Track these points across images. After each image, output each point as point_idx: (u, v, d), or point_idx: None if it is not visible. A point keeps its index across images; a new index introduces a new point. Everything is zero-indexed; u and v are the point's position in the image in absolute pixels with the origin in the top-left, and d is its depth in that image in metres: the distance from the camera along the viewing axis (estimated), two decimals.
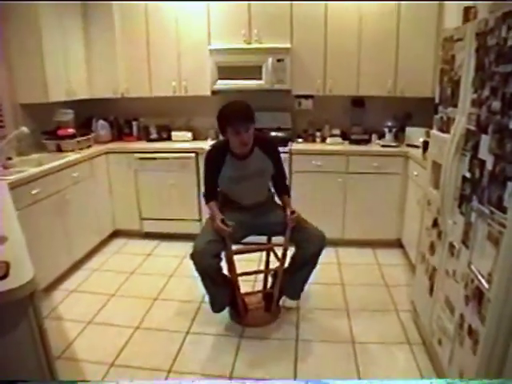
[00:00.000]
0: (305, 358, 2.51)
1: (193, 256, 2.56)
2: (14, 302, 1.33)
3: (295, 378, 2.33)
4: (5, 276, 1.34)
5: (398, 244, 4.00)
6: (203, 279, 2.64)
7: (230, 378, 2.34)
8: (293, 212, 2.67)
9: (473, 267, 1.83)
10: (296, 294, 2.93)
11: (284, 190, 2.88)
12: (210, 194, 2.78)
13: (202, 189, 2.84)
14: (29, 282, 1.34)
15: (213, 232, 2.60)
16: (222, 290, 2.73)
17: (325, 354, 2.54)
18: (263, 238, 3.02)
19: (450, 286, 2.12)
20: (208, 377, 2.35)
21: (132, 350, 2.59)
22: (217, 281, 2.65)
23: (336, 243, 4.05)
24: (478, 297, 1.77)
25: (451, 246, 2.12)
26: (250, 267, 3.06)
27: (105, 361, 2.47)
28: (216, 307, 2.79)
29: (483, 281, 1.72)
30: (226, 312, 2.91)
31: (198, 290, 3.25)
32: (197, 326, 2.85)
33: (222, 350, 2.61)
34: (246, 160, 2.65)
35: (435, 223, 2.41)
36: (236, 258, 2.70)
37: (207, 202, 2.79)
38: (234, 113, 2.53)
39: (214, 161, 2.69)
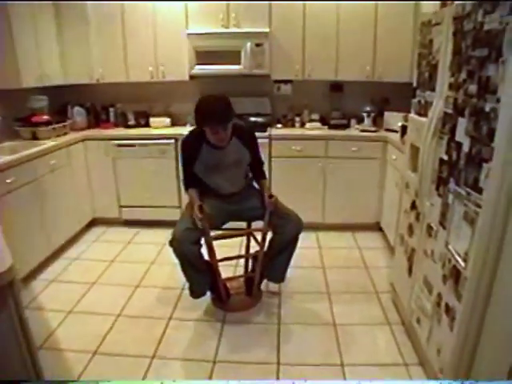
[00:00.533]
0: (287, 341, 2.54)
1: (171, 243, 2.56)
2: None
3: (278, 361, 2.37)
4: None
5: (377, 227, 4.07)
6: (182, 265, 2.64)
7: (214, 362, 2.36)
8: (271, 196, 2.67)
9: (450, 247, 1.88)
10: (279, 277, 2.94)
11: (261, 174, 2.89)
12: (189, 181, 2.76)
13: (181, 176, 2.81)
14: (6, 270, 1.32)
15: (191, 219, 2.58)
16: (201, 275, 2.72)
17: (307, 337, 2.58)
18: (244, 224, 3.03)
19: (428, 266, 2.17)
20: (192, 361, 2.36)
21: (115, 338, 2.58)
22: (196, 267, 2.64)
23: (316, 227, 4.10)
24: (454, 276, 1.82)
25: (429, 227, 2.16)
26: (232, 253, 3.07)
27: (88, 349, 2.46)
28: (195, 293, 2.79)
29: (460, 260, 1.77)
30: (207, 297, 2.92)
31: (179, 276, 3.24)
32: (179, 312, 2.85)
33: (204, 335, 2.62)
34: (223, 150, 2.61)
35: (413, 205, 2.46)
36: (216, 243, 2.70)
37: (186, 189, 2.79)
38: (212, 113, 2.43)
39: (191, 148, 2.66)
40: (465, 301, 1.73)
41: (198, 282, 2.75)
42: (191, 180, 2.75)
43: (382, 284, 3.15)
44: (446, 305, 1.90)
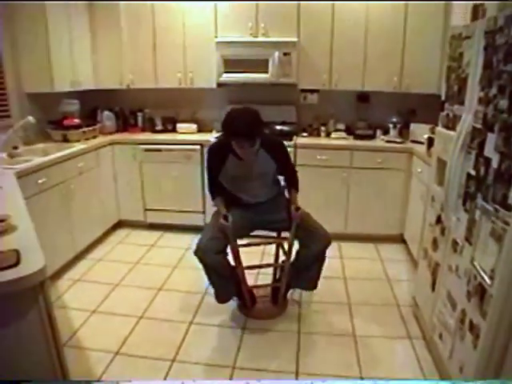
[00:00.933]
0: (307, 351, 2.54)
1: (196, 253, 2.57)
2: (25, 289, 1.36)
3: (297, 370, 2.36)
4: (16, 264, 1.37)
5: (400, 239, 4.03)
6: (207, 273, 2.66)
7: (233, 368, 2.37)
8: (298, 208, 2.66)
9: (476, 263, 1.85)
10: (311, 286, 2.90)
11: (293, 185, 2.85)
12: (215, 190, 2.77)
13: (207, 184, 2.83)
14: (40, 270, 1.37)
15: (216, 228, 2.60)
16: (226, 282, 2.73)
17: (326, 348, 2.57)
18: (272, 232, 3.01)
19: (452, 282, 2.14)
20: (211, 366, 2.38)
21: (136, 339, 2.63)
22: (221, 274, 2.65)
23: (339, 238, 4.07)
24: (480, 292, 1.79)
25: (454, 242, 2.14)
26: (254, 259, 3.08)
27: (109, 349, 2.51)
28: (220, 298, 2.80)
29: (486, 277, 1.74)
30: (229, 304, 2.94)
31: (202, 281, 3.28)
32: (200, 317, 2.88)
33: (225, 340, 2.64)
34: (249, 161, 2.58)
35: (439, 220, 2.43)
36: (242, 250, 2.72)
37: (213, 198, 2.80)
38: (238, 127, 2.37)
39: (217, 157, 2.65)
40: (489, 318, 1.70)
41: (222, 288, 2.76)
42: (217, 188, 2.76)
43: (404, 297, 3.11)
44: (470, 322, 1.87)
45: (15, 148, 3.37)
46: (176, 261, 3.70)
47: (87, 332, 2.69)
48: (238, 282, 2.78)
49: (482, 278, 1.77)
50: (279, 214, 2.75)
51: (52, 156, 3.25)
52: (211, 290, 2.91)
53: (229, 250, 2.66)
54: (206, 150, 4.03)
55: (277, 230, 2.93)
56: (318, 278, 2.85)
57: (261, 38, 4.00)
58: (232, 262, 2.73)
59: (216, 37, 4.05)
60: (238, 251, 2.68)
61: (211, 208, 4.08)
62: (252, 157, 2.53)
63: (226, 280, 2.71)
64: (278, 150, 2.71)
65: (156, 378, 2.28)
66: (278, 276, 3.09)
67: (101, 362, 2.40)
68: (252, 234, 2.86)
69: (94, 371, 2.33)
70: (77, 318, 2.82)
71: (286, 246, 2.85)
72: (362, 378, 2.29)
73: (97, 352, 2.49)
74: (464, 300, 1.95)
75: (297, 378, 2.29)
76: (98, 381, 2.04)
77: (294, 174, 2.87)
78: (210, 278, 2.70)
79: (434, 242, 2.49)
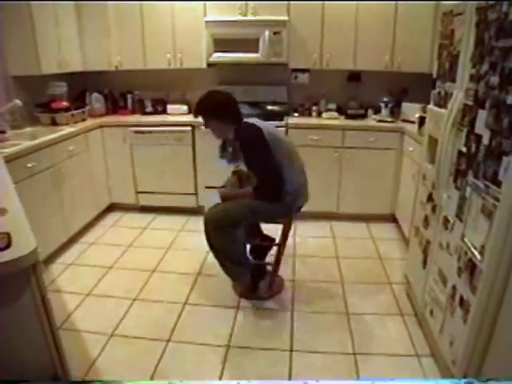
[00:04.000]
0: (300, 329, 2.57)
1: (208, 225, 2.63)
2: (17, 272, 1.36)
3: (291, 348, 2.40)
4: (7, 246, 1.36)
5: (392, 218, 4.06)
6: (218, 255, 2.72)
7: (228, 347, 2.40)
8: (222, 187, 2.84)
9: (466, 240, 1.88)
10: None
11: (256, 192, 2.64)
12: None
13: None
14: (31, 252, 1.36)
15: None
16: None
17: (320, 325, 2.61)
18: None
19: (443, 259, 2.17)
20: (206, 346, 2.41)
21: (131, 321, 2.64)
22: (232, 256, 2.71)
23: (331, 217, 4.11)
24: (470, 268, 1.82)
25: (445, 219, 2.16)
26: None
27: (104, 331, 2.52)
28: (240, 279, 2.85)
29: (476, 253, 1.76)
30: (222, 284, 2.97)
31: (195, 262, 3.32)
32: (194, 298, 2.90)
33: (219, 320, 2.66)
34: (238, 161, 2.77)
35: (430, 198, 2.45)
36: None
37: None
38: (195, 105, 2.66)
39: None
40: (480, 294, 1.73)
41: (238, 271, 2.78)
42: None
43: (396, 275, 3.16)
44: (461, 297, 1.90)
45: (3, 132, 3.31)
46: (169, 243, 3.70)
47: (82, 315, 2.70)
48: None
49: (473, 254, 1.79)
50: None
51: (41, 139, 3.20)
52: (204, 271, 2.93)
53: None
54: (197, 130, 4.02)
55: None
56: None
57: (250, 17, 3.93)
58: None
59: (205, 16, 3.98)
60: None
61: (203, 189, 4.12)
62: (217, 137, 2.77)
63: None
64: (242, 146, 2.60)
65: (151, 357, 2.30)
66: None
67: (96, 343, 2.41)
68: None
69: (89, 353, 2.34)
70: (71, 301, 2.83)
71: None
72: (354, 354, 2.33)
73: (92, 334, 2.50)
74: (455, 276, 1.98)
75: (291, 356, 2.33)
76: (101, 381, 2.06)
77: (259, 183, 2.61)
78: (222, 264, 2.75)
79: (426, 220, 2.51)
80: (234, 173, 2.93)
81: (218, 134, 2.73)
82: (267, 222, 2.96)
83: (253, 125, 2.60)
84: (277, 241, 2.99)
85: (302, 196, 2.73)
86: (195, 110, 2.65)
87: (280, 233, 2.85)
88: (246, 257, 2.83)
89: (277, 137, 2.63)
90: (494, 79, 1.66)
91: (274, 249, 3.00)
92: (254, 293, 2.90)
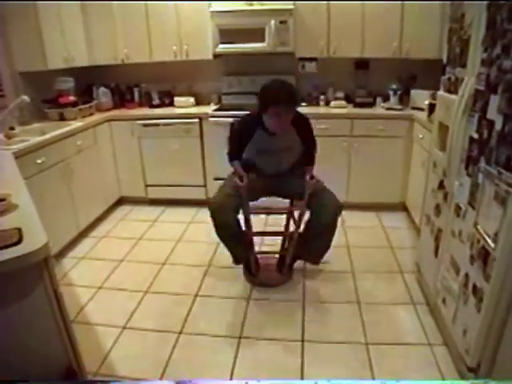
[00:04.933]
0: (312, 319, 2.57)
1: (211, 207, 2.65)
2: (29, 267, 1.37)
3: (303, 338, 2.40)
4: (19, 242, 1.37)
5: (402, 207, 4.03)
6: (219, 233, 2.73)
7: (239, 338, 2.40)
8: (312, 177, 2.66)
9: (479, 227, 1.85)
10: (316, 260, 2.95)
11: (310, 160, 2.87)
12: (234, 155, 2.82)
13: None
14: (42, 246, 1.37)
15: (231, 187, 2.66)
16: (238, 242, 2.81)
17: (331, 315, 2.61)
18: (286, 202, 3.04)
19: (455, 247, 2.15)
20: (218, 337, 2.42)
21: (143, 313, 2.66)
22: (233, 234, 2.73)
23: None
24: (483, 256, 1.79)
25: (457, 207, 2.13)
26: (259, 229, 3.10)
27: (117, 324, 2.54)
28: (236, 259, 2.91)
29: (489, 240, 1.74)
30: (233, 275, 2.98)
31: (205, 254, 3.33)
32: (205, 289, 2.91)
33: (230, 311, 2.67)
34: (277, 136, 2.62)
35: (441, 185, 2.42)
36: (257, 220, 2.73)
37: (230, 160, 2.84)
38: (281, 94, 2.42)
39: (245, 129, 2.70)
40: (493, 281, 1.71)
41: (237, 248, 2.84)
42: (237, 155, 2.80)
43: (407, 264, 3.14)
44: (474, 285, 1.88)
45: (12, 129, 3.33)
46: (179, 235, 3.71)
47: (94, 308, 2.72)
48: (245, 248, 2.85)
49: (486, 241, 1.77)
50: (295, 181, 2.77)
51: (49, 135, 3.21)
52: (215, 262, 2.93)
53: (240, 216, 2.72)
54: (204, 122, 4.01)
55: (290, 197, 2.98)
56: (324, 250, 2.88)
57: (256, 6, 3.89)
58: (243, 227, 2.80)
59: (210, 6, 3.94)
60: (249, 214, 2.73)
61: (212, 181, 4.11)
62: (285, 128, 2.57)
63: (237, 240, 2.78)
64: (305, 126, 2.75)
65: (163, 349, 2.32)
66: (286, 246, 3.13)
67: (109, 336, 2.44)
68: (265, 205, 2.96)
69: (102, 345, 2.37)
70: (83, 295, 2.85)
71: (296, 215, 2.88)
72: (366, 344, 2.33)
73: (105, 327, 2.53)
74: (467, 264, 1.96)
75: (303, 346, 2.33)
76: (103, 381, 2.07)
77: (314, 148, 2.89)
78: (222, 239, 2.78)
79: (437, 208, 2.48)
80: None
81: (288, 123, 2.57)
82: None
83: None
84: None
85: None
86: (292, 100, 2.47)
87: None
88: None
89: None
90: (507, 63, 1.62)
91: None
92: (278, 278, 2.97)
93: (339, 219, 2.78)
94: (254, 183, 2.70)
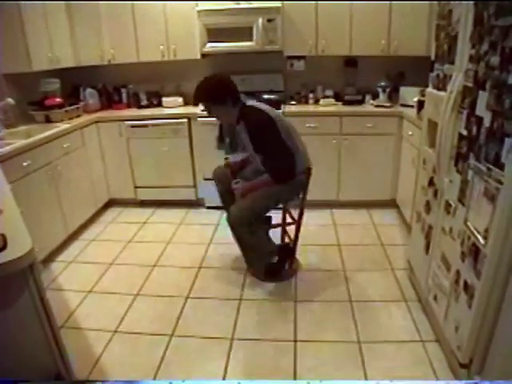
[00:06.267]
0: (304, 319, 2.56)
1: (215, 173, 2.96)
2: (14, 273, 1.33)
3: (295, 338, 2.39)
4: (3, 248, 1.34)
5: (393, 204, 4.03)
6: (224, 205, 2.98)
7: (232, 340, 2.39)
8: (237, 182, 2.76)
9: (469, 224, 1.85)
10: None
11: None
12: None
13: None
14: (27, 253, 1.33)
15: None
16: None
17: (324, 314, 2.60)
18: None
19: (446, 244, 2.15)
20: (210, 339, 2.40)
21: (134, 317, 2.63)
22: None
23: (331, 205, 4.08)
24: (474, 253, 1.79)
25: (447, 204, 2.13)
26: None
27: (108, 328, 2.51)
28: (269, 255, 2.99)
29: (479, 237, 1.74)
30: (224, 276, 2.96)
31: (196, 255, 3.31)
32: (196, 291, 2.88)
33: (222, 313, 2.65)
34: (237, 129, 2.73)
35: (431, 182, 2.42)
36: None
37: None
38: (195, 90, 2.63)
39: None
40: (484, 278, 1.71)
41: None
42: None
43: (399, 261, 3.14)
44: (465, 282, 1.88)
45: None
46: (169, 236, 3.68)
47: (84, 312, 2.69)
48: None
49: (476, 238, 1.77)
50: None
51: (35, 137, 3.16)
52: (206, 264, 2.92)
53: None
54: (193, 122, 3.99)
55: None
56: (247, 258, 3.03)
57: (243, 5, 3.86)
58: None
59: (197, 5, 3.91)
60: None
61: (202, 182, 4.09)
62: (223, 121, 2.91)
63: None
64: (252, 133, 2.61)
65: (155, 353, 2.29)
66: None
67: (100, 340, 2.40)
68: None
69: (93, 350, 2.33)
70: (73, 299, 2.81)
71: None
72: (359, 342, 2.32)
73: (95, 331, 2.49)
74: (458, 261, 1.96)
75: (295, 346, 2.31)
76: (102, 381, 2.05)
77: (269, 163, 2.66)
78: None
79: (427, 205, 2.48)
80: (226, 165, 2.96)
81: (224, 120, 2.78)
82: (285, 203, 3.06)
83: (258, 109, 2.62)
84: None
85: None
86: (195, 98, 2.66)
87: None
88: (272, 242, 2.93)
89: (280, 118, 2.69)
90: (495, 59, 1.62)
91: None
92: (279, 273, 2.99)
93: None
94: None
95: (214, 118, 2.80)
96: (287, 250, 3.05)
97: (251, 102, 2.71)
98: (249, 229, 2.66)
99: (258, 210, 2.68)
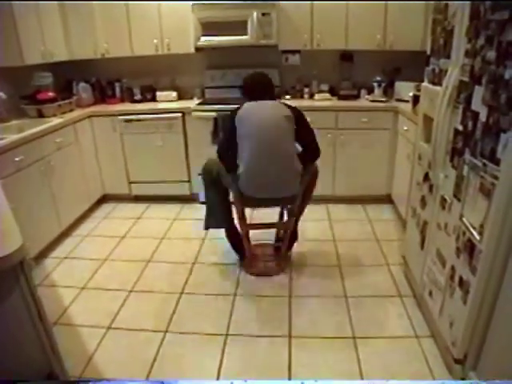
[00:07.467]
0: (299, 314, 2.55)
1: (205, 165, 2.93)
2: (3, 271, 1.31)
3: (290, 333, 2.38)
4: None
5: (388, 199, 4.03)
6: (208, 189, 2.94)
7: (226, 335, 2.38)
8: None
9: (464, 220, 1.84)
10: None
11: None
12: None
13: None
14: (17, 249, 1.31)
15: None
16: (221, 212, 2.96)
17: (318, 310, 2.59)
18: None
19: (441, 239, 2.14)
20: (204, 335, 2.38)
21: (128, 313, 2.61)
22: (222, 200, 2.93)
23: (327, 200, 4.07)
24: (469, 248, 1.79)
25: (443, 199, 2.12)
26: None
27: (101, 324, 2.49)
28: (206, 224, 3.02)
29: (475, 233, 1.73)
30: (219, 272, 2.94)
31: (190, 250, 3.29)
32: (190, 287, 2.87)
33: (216, 308, 2.64)
34: None
35: (426, 177, 2.41)
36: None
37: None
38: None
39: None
40: (479, 274, 1.70)
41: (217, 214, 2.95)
42: None
43: (394, 257, 3.14)
44: (460, 278, 1.88)
45: None
46: (163, 232, 3.66)
47: (78, 309, 2.67)
48: (240, 239, 3.00)
49: (471, 233, 1.76)
50: None
51: (28, 132, 3.12)
52: (200, 259, 2.90)
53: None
54: (187, 117, 3.95)
55: None
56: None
57: None
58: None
59: None
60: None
61: (196, 177, 4.06)
62: None
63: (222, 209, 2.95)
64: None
65: (149, 349, 2.27)
66: (280, 235, 3.22)
67: (94, 337, 2.38)
68: None
69: (87, 347, 2.31)
70: (66, 296, 2.79)
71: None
72: (354, 338, 2.32)
73: (89, 328, 2.47)
74: (453, 257, 1.95)
75: (290, 342, 2.31)
76: (98, 380, 2.03)
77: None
78: (208, 196, 2.95)
79: (422, 200, 2.48)
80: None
81: None
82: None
83: (238, 106, 2.70)
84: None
85: (252, 184, 2.67)
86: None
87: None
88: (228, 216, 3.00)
89: (250, 118, 2.62)
90: (491, 54, 1.60)
91: None
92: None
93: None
94: None
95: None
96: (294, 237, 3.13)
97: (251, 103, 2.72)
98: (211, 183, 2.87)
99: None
